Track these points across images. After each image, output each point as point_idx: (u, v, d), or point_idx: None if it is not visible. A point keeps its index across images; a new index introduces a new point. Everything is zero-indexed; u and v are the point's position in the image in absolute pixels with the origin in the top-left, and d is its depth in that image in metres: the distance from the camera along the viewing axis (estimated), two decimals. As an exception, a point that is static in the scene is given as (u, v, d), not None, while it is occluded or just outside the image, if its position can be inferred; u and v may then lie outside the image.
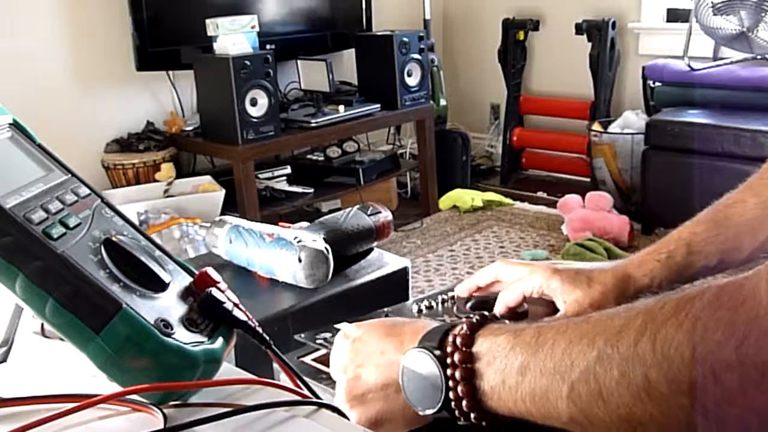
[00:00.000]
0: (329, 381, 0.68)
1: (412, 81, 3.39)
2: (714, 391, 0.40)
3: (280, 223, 1.03)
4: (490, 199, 3.61)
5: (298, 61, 3.32)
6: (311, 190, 3.17)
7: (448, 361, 0.54)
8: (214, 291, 0.60)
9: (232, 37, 2.86)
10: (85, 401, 0.52)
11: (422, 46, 3.43)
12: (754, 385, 0.39)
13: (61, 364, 0.60)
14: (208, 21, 2.86)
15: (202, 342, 0.56)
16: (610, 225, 3.04)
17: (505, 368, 0.51)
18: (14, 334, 0.63)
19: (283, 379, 0.61)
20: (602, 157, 3.37)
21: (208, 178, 2.99)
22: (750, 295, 0.40)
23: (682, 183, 2.91)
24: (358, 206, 1.08)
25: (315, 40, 3.45)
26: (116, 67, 2.99)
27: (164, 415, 0.52)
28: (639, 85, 3.53)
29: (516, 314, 0.79)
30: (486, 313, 0.57)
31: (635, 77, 3.62)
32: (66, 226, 0.55)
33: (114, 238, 0.58)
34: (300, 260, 0.91)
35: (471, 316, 0.56)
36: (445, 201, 3.60)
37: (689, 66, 3.24)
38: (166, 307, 0.56)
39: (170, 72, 3.10)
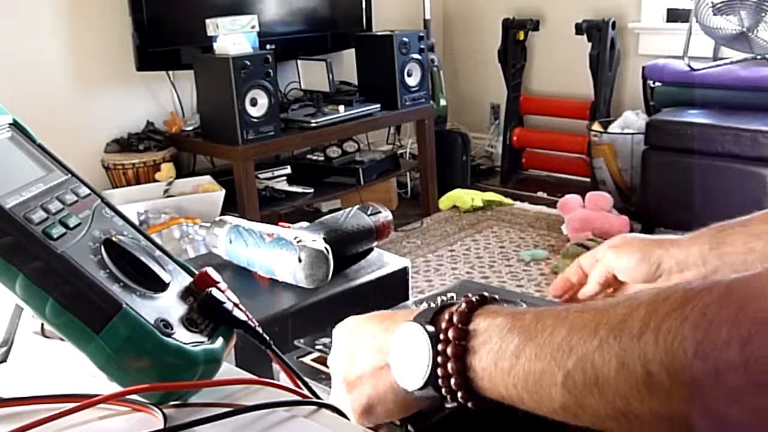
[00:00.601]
0: (329, 381, 0.68)
1: (412, 81, 3.39)
2: (716, 389, 0.40)
3: (280, 223, 1.03)
4: (490, 199, 3.61)
5: (298, 61, 3.32)
6: (311, 190, 3.17)
7: (441, 337, 0.53)
8: (214, 291, 0.59)
9: (232, 37, 2.86)
10: (85, 401, 0.52)
11: (422, 46, 3.43)
12: (757, 387, 0.39)
13: (61, 364, 0.60)
14: (208, 21, 2.86)
15: (202, 342, 0.56)
16: (610, 225, 3.04)
17: (499, 349, 0.50)
18: (14, 334, 0.63)
19: (283, 379, 0.61)
20: (602, 157, 3.38)
21: (208, 178, 2.99)
22: (757, 294, 0.40)
23: (682, 183, 2.91)
24: (358, 206, 1.08)
25: (315, 40, 3.45)
26: (116, 67, 2.99)
27: (164, 415, 0.52)
28: (639, 85, 3.53)
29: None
30: (486, 293, 0.55)
31: (635, 77, 3.62)
32: (66, 226, 0.55)
33: (114, 238, 0.58)
34: (300, 260, 0.91)
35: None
36: (445, 201, 3.60)
37: (689, 66, 3.24)
38: (166, 307, 0.56)
39: (170, 72, 3.10)
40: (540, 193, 3.79)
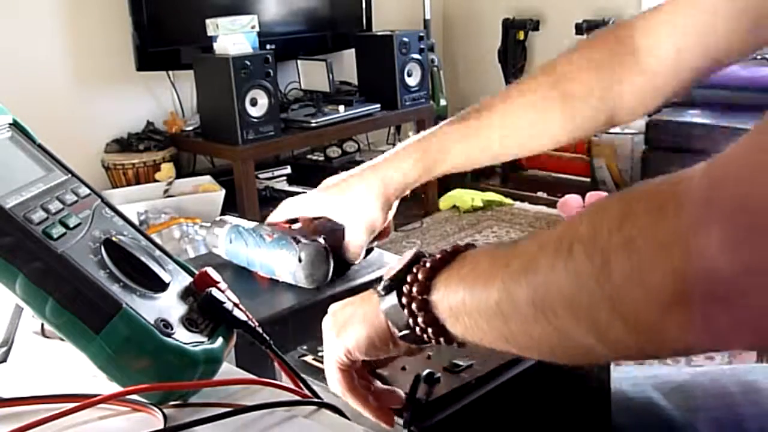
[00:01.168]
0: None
1: (412, 81, 3.39)
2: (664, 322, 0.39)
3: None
4: (490, 199, 3.61)
5: (298, 61, 3.32)
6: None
7: (405, 290, 0.54)
8: (214, 291, 0.60)
9: (232, 37, 2.86)
10: (85, 401, 0.52)
11: (422, 46, 3.43)
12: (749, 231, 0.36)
13: (61, 364, 0.60)
14: (208, 21, 2.86)
15: (202, 342, 0.56)
16: (610, 225, 3.03)
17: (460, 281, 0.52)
18: (14, 334, 0.63)
19: (283, 379, 0.61)
20: (602, 157, 3.38)
21: (208, 178, 2.99)
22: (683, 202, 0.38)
23: (682, 183, 2.91)
24: (358, 206, 1.08)
25: (315, 40, 3.45)
26: (116, 67, 2.99)
27: (164, 415, 0.52)
28: (639, 85, 3.52)
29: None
30: (448, 249, 0.56)
31: (635, 77, 3.61)
32: (66, 226, 0.55)
33: (114, 238, 0.58)
34: (300, 260, 0.91)
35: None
36: (445, 201, 3.60)
37: (689, 66, 3.24)
38: (166, 307, 0.56)
39: (170, 72, 3.10)
40: (540, 193, 3.79)
